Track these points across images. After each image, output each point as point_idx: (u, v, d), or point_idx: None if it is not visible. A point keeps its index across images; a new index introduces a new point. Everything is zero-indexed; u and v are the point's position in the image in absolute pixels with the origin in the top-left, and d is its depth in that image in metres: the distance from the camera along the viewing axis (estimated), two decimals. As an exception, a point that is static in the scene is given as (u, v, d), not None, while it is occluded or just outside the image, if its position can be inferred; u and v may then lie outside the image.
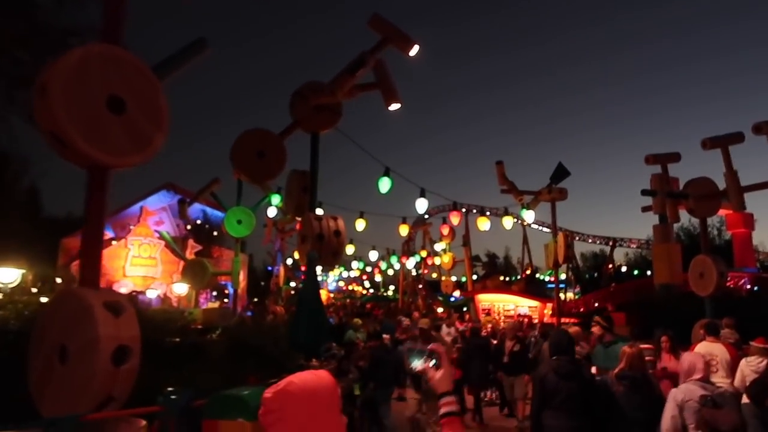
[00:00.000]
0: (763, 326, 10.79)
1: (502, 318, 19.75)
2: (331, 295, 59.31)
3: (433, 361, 1.84)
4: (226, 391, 3.56)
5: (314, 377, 1.68)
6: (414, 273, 37.33)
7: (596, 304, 21.57)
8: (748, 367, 6.30)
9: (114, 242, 20.47)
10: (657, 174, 12.10)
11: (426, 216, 33.59)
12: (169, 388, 3.38)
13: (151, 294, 19.02)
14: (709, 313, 11.58)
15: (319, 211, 15.90)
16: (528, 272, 42.70)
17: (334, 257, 8.95)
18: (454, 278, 34.16)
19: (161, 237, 20.24)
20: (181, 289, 18.52)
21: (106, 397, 3.23)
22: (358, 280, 59.17)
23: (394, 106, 8.83)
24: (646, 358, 8.38)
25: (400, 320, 14.01)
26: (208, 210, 23.37)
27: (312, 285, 6.39)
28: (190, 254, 21.60)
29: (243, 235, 14.88)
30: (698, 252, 12.05)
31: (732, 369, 6.59)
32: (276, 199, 15.69)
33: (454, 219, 13.32)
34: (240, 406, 3.35)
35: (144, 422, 3.44)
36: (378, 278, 58.23)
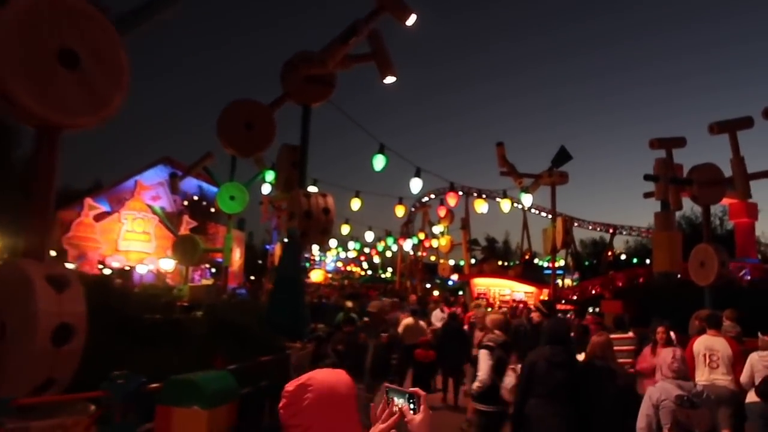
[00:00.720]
0: (765, 318, 10.51)
1: (498, 303, 19.52)
2: (330, 275, 59.30)
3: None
4: (182, 376, 3.27)
5: (334, 375, 1.73)
6: (412, 255, 37.14)
7: (593, 291, 21.31)
8: (761, 362, 5.80)
9: (108, 216, 20.18)
10: (661, 158, 11.74)
11: (425, 199, 33.31)
12: (116, 372, 3.09)
13: (141, 269, 18.78)
14: (708, 304, 11.30)
15: (314, 189, 15.62)
16: (527, 257, 42.44)
17: (322, 235, 8.65)
18: (452, 262, 33.96)
19: (154, 212, 19.95)
20: (168, 264, 18.28)
21: (46, 380, 2.95)
22: (357, 261, 59.01)
23: (390, 79, 8.48)
24: (624, 348, 7.91)
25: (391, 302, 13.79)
26: (205, 185, 23.05)
27: (291, 262, 6.09)
28: (185, 230, 21.34)
29: (236, 211, 14.57)
30: (699, 241, 11.74)
31: (734, 365, 6.18)
32: (270, 176, 15.36)
33: (451, 200, 12.99)
34: (195, 393, 3.07)
35: (92, 407, 3.15)
36: (377, 260, 58.15)
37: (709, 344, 6.39)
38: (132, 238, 20.06)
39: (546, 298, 16.74)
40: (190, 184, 24.75)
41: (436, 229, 26.96)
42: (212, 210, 27.73)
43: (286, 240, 6.84)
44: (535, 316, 7.48)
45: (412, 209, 39.34)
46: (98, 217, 18.97)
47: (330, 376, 1.72)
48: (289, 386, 1.68)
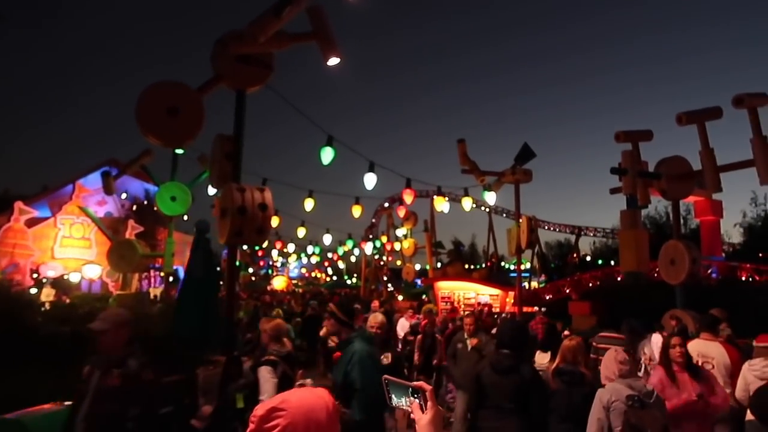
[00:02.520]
0: (736, 318, 9.96)
1: (462, 306, 18.79)
2: (294, 281, 58.04)
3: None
4: (11, 416, 2.34)
5: (312, 397, 1.55)
6: (377, 259, 36.31)
7: (557, 293, 20.83)
8: (751, 372, 4.99)
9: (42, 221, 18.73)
10: (628, 151, 11.12)
11: (386, 204, 32.51)
12: None
13: (75, 277, 17.42)
14: (679, 303, 10.73)
15: (266, 190, 14.66)
16: (493, 260, 42.09)
17: (259, 234, 7.69)
18: (418, 266, 33.26)
19: (87, 215, 18.61)
20: (93, 272, 17.01)
21: None
22: (321, 267, 57.89)
23: (333, 61, 7.57)
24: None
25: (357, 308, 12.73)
26: (152, 188, 21.76)
27: (200, 262, 5.12)
28: (130, 235, 20.00)
29: (177, 213, 13.45)
30: (664, 241, 11.20)
31: (732, 375, 5.26)
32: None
33: (407, 197, 12.15)
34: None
35: None
36: (341, 265, 57.15)
37: (703, 350, 5.39)
38: (70, 245, 18.64)
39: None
40: (134, 186, 23.38)
41: (400, 231, 26.16)
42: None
43: (196, 235, 5.82)
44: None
45: (376, 212, 38.58)
46: (30, 222, 17.53)
47: (307, 398, 1.54)
48: (259, 410, 1.51)
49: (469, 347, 7.44)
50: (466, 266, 32.30)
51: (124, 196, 23.96)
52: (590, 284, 19.37)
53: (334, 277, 60.77)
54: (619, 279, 19.58)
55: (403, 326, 11.30)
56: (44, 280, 16.48)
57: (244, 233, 7.63)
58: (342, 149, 10.69)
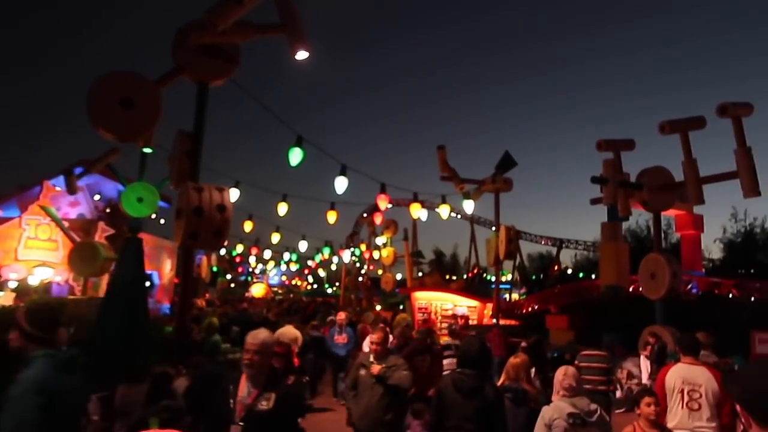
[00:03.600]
0: (717, 335, 9.63)
1: (439, 318, 18.37)
2: (274, 289, 57.23)
3: None
4: None
5: None
6: (358, 268, 35.82)
7: (536, 306, 20.51)
8: None
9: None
10: (609, 160, 10.85)
11: (365, 215, 32.04)
12: None
13: (33, 280, 16.72)
14: (659, 318, 10.43)
15: (236, 191, 14.16)
16: (475, 272, 41.76)
17: (216, 237, 7.22)
18: (399, 275, 32.80)
19: (49, 215, 17.93)
20: (50, 274, 16.37)
21: None
22: (302, 275, 57.16)
23: (302, 55, 7.18)
24: (594, 365, 7.29)
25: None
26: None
27: (130, 265, 4.63)
28: (100, 238, 19.32)
29: (144, 214, 12.86)
30: (645, 254, 10.91)
31: (720, 405, 4.62)
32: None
33: (382, 203, 11.75)
34: None
35: None
36: (323, 273, 56.49)
37: (687, 377, 4.70)
38: (34, 246, 17.93)
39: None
40: (107, 187, 22.71)
41: (380, 240, 25.71)
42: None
43: (127, 236, 5.34)
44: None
45: (357, 220, 38.11)
46: (-3, 223, 16.85)
47: None
48: None
49: (374, 374, 5.23)
50: (447, 277, 31.94)
51: (97, 197, 23.30)
52: (567, 298, 19.08)
53: (315, 286, 60.06)
54: (593, 294, 19.27)
55: (367, 344, 10.36)
56: (8, 283, 15.78)
57: (200, 235, 7.16)
58: (314, 152, 10.29)
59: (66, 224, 19.78)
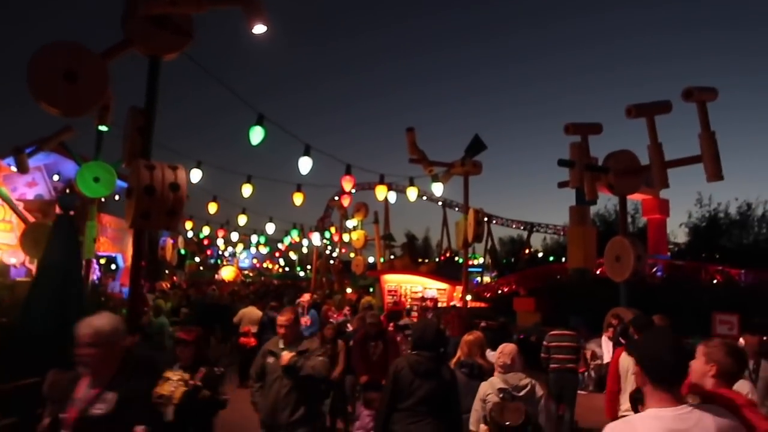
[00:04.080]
0: (679, 317, 9.70)
1: (409, 301, 18.33)
2: (245, 272, 56.69)
3: None
4: None
5: None
6: (329, 251, 35.60)
7: (505, 289, 20.60)
8: None
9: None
10: (576, 143, 10.79)
11: (336, 198, 31.69)
12: None
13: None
14: (623, 301, 10.47)
15: (198, 172, 13.75)
16: (447, 255, 41.89)
17: (169, 217, 6.92)
18: (372, 259, 32.63)
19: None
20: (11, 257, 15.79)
21: None
22: (273, 258, 56.69)
23: (259, 29, 6.91)
24: (564, 344, 7.61)
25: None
26: (86, 170, 20.40)
27: (60, 245, 4.34)
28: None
29: (100, 195, 12.37)
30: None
31: None
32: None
33: (347, 185, 11.53)
34: None
35: None
36: (294, 256, 56.09)
37: None
38: (-12, 227, 17.24)
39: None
40: (69, 168, 22.02)
41: (350, 223, 25.50)
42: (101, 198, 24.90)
43: (59, 214, 5.04)
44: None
45: (328, 203, 37.84)
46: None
47: None
48: None
49: (282, 364, 4.55)
50: (420, 260, 31.91)
51: (56, 178, 22.57)
52: (535, 281, 19.21)
53: (287, 269, 59.67)
54: (558, 277, 19.42)
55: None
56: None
57: (152, 215, 6.85)
58: (279, 134, 9.99)
59: (21, 205, 19.11)
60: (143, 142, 7.18)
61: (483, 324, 9.10)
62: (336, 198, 33.55)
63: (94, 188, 12.15)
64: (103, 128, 12.69)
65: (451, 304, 14.25)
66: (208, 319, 12.89)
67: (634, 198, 18.42)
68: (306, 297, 9.97)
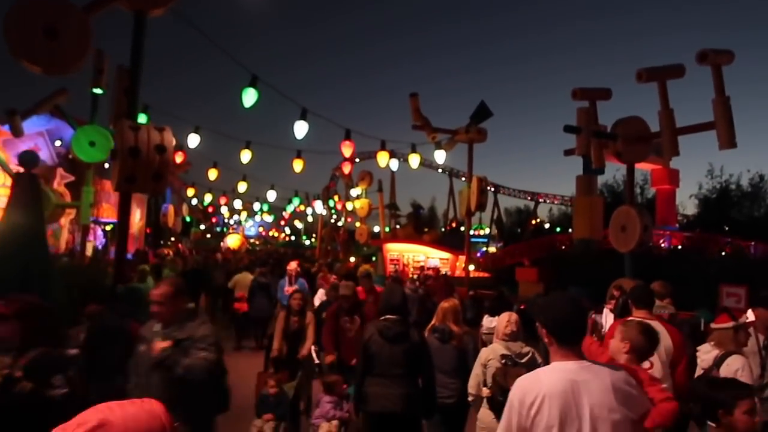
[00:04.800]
0: (686, 289, 9.45)
1: (411, 270, 18.18)
2: (251, 240, 56.77)
3: None
4: None
5: (142, 412, 1.19)
6: (335, 219, 35.47)
7: (510, 260, 20.35)
8: (698, 360, 4.09)
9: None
10: (583, 108, 10.38)
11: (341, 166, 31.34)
12: None
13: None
14: (628, 272, 10.20)
15: (196, 137, 13.43)
16: (453, 225, 41.64)
17: (155, 181, 6.71)
18: (377, 228, 32.47)
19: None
20: None
21: None
22: (279, 226, 56.69)
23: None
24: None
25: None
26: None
27: (22, 204, 4.10)
28: (58, 185, 18.60)
29: (97, 159, 12.14)
30: (622, 209, 10.63)
31: (674, 364, 4.05)
32: (142, 119, 13.07)
33: (346, 150, 11.21)
34: None
35: None
36: (300, 225, 56.06)
37: None
38: (-12, 193, 17.12)
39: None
40: (70, 133, 21.82)
41: (354, 191, 25.25)
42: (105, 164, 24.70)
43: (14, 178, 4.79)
44: None
45: (334, 172, 37.48)
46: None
47: (135, 415, 1.16)
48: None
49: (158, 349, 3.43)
50: (426, 230, 31.70)
51: (59, 143, 22.38)
52: (539, 251, 18.93)
53: (293, 237, 59.72)
54: (563, 248, 19.13)
55: (320, 295, 9.27)
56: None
57: (137, 179, 6.63)
58: (277, 98, 9.65)
59: (14, 169, 18.99)
60: (128, 102, 6.92)
61: (472, 293, 9.01)
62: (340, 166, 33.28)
63: (89, 152, 11.92)
64: (97, 91, 12.40)
65: (442, 273, 14.10)
66: (189, 284, 12.92)
67: (643, 168, 18.01)
68: (293, 265, 9.47)
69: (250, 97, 8.27)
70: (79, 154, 11.92)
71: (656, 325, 4.08)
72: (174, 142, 6.91)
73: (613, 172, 27.98)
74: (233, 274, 12.70)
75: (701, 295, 11.09)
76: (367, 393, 4.14)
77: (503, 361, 4.09)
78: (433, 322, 5.10)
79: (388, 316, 4.26)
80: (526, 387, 2.20)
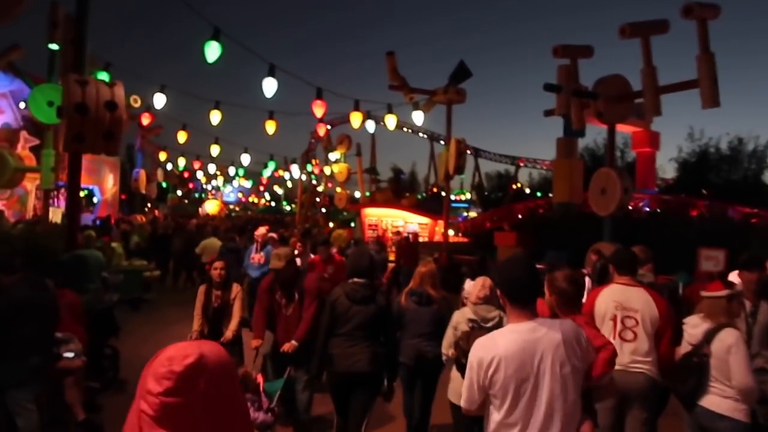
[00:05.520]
0: (664, 251, 9.29)
1: (390, 235, 17.91)
2: (230, 206, 56.09)
3: None
4: None
5: (219, 349, 1.32)
6: (315, 185, 35.05)
7: (488, 224, 20.17)
8: (686, 334, 3.69)
9: None
10: (564, 66, 10.02)
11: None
12: None
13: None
14: (607, 236, 10.02)
15: (162, 97, 12.82)
16: (434, 190, 41.46)
17: (106, 141, 6.26)
18: (358, 194, 32.11)
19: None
20: None
21: None
22: (259, 192, 56.01)
23: None
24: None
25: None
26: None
27: None
28: (22, 148, 17.88)
29: (55, 121, 11.51)
30: (603, 172, 10.38)
31: (660, 335, 3.71)
32: (104, 78, 12.41)
33: (318, 110, 10.73)
34: None
35: None
36: (280, 191, 55.46)
37: (621, 299, 3.81)
38: (-54, 157, 16.37)
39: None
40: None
41: (333, 155, 24.75)
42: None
43: None
44: None
45: (312, 135, 36.86)
46: None
47: (219, 351, 1.31)
48: (177, 367, 1.20)
49: None
50: (407, 195, 31.38)
51: (23, 105, 21.49)
52: (519, 215, 18.74)
53: (273, 203, 59.12)
54: (540, 212, 18.96)
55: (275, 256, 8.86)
56: None
57: (86, 138, 6.18)
58: (248, 57, 9.12)
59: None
60: (75, 53, 6.41)
61: (436, 255, 8.93)
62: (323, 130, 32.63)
63: (47, 113, 11.28)
64: (53, 46, 11.68)
65: (404, 236, 13.92)
66: (156, 249, 12.83)
67: (624, 130, 17.75)
68: (261, 230, 8.82)
69: (213, 51, 7.76)
70: (36, 114, 11.29)
71: (640, 292, 3.81)
72: (125, 98, 6.44)
73: (594, 135, 27.79)
74: (200, 240, 12.27)
75: (680, 259, 11.00)
76: (333, 354, 4.22)
77: (470, 324, 4.17)
78: (410, 285, 5.09)
79: (355, 279, 4.30)
80: (483, 349, 2.33)
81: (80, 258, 5.82)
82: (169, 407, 1.19)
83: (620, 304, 3.83)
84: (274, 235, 9.66)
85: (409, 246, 12.44)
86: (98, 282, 5.87)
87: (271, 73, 8.86)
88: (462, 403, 2.46)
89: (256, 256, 8.06)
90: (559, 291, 3.12)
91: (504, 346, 2.26)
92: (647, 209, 17.62)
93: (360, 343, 4.18)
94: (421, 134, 41.28)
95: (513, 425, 2.25)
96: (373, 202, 20.42)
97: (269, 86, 8.88)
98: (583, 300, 3.66)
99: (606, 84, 9.82)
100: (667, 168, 40.02)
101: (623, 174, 9.91)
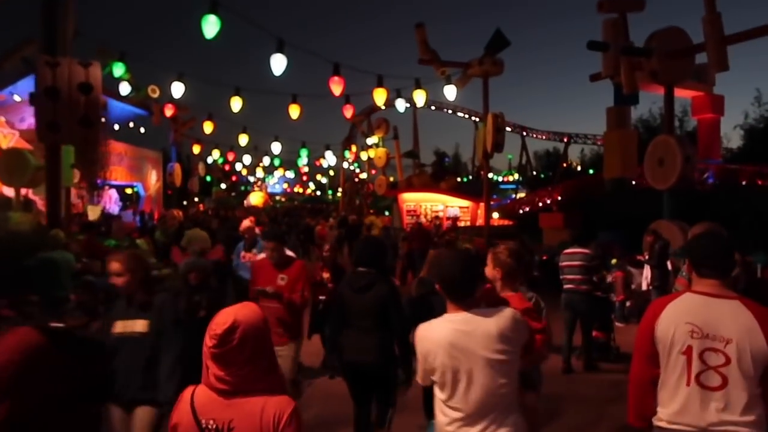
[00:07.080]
0: (736, 229, 8.10)
1: (426, 219, 16.98)
2: (276, 197, 56.29)
3: None
4: None
5: (250, 311, 1.85)
6: (357, 172, 34.44)
7: (540, 204, 18.95)
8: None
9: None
10: (610, 20, 8.82)
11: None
12: None
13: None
14: (667, 212, 8.83)
15: (179, 87, 12.23)
16: (482, 173, 40.12)
17: (83, 126, 5.60)
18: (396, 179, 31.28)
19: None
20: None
21: None
22: (303, 182, 55.91)
23: None
24: (572, 263, 6.48)
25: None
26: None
27: None
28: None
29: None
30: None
31: (764, 377, 2.19)
32: (119, 70, 11.96)
33: (335, 88, 9.90)
34: None
35: None
36: (324, 180, 55.24)
37: (701, 321, 2.26)
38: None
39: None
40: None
41: (370, 140, 23.91)
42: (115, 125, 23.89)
43: None
44: None
45: (353, 122, 36.11)
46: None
47: (250, 314, 1.82)
48: (217, 328, 1.73)
49: None
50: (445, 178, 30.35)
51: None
52: (568, 196, 17.45)
53: (318, 193, 58.97)
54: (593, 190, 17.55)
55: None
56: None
57: (60, 125, 5.55)
58: (253, 32, 8.38)
59: (17, 134, 18.28)
60: (47, 32, 5.78)
61: (447, 238, 8.70)
62: (359, 115, 31.83)
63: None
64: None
65: (418, 222, 13.53)
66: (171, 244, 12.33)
67: (683, 95, 16.13)
68: (246, 223, 7.06)
69: (211, 26, 7.02)
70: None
71: (735, 308, 2.24)
72: (101, 79, 5.76)
73: (648, 104, 25.90)
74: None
75: (755, 237, 9.63)
76: (342, 343, 4.24)
77: None
78: (422, 273, 5.07)
79: (358, 268, 4.26)
80: (423, 337, 2.45)
81: (49, 261, 5.16)
82: (216, 354, 1.74)
83: (699, 329, 2.28)
84: (257, 229, 7.81)
85: (420, 230, 12.94)
86: (69, 289, 5.07)
87: (280, 49, 8.07)
88: (418, 380, 2.56)
89: (247, 255, 6.60)
90: (502, 264, 3.14)
91: (437, 335, 2.38)
92: (712, 180, 16.03)
93: (365, 334, 4.14)
94: (459, 114, 39.87)
95: (455, 408, 2.34)
96: (410, 186, 19.51)
97: (278, 63, 8.09)
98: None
99: (660, 38, 8.58)
100: (732, 136, 37.25)
101: (684, 141, 8.72)
